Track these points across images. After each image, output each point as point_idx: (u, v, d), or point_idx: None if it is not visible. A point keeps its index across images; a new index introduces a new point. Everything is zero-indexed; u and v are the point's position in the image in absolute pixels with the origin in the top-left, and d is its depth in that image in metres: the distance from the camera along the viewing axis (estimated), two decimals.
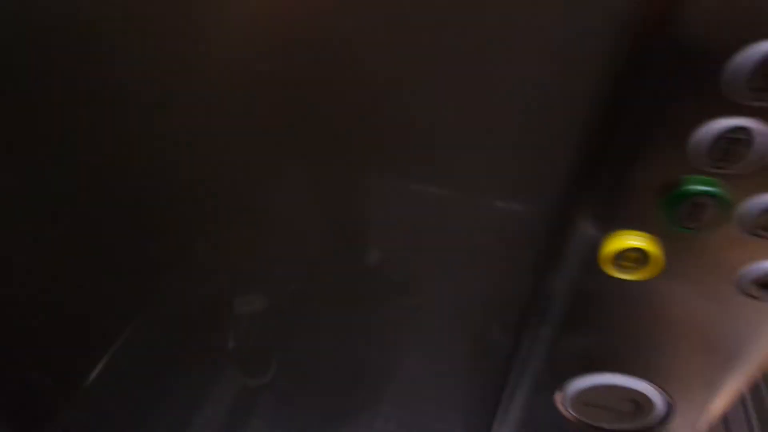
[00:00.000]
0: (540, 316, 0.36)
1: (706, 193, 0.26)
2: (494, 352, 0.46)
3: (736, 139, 0.24)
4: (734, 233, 0.28)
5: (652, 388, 0.39)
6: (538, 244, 0.35)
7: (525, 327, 0.40)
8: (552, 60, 0.26)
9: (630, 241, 0.29)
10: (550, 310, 0.36)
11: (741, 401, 0.60)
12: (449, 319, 0.46)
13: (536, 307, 0.36)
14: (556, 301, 0.35)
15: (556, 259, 0.33)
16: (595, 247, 0.31)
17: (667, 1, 0.22)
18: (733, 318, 0.32)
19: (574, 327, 0.36)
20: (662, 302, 0.32)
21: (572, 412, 0.42)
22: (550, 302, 0.35)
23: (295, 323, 0.52)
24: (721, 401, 0.39)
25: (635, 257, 0.30)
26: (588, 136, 0.28)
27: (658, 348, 0.37)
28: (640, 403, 0.40)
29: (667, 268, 0.30)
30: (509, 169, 0.32)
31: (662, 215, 0.28)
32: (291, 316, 0.52)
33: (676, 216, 0.27)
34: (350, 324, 0.50)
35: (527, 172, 0.31)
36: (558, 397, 0.42)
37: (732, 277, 0.30)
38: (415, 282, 0.43)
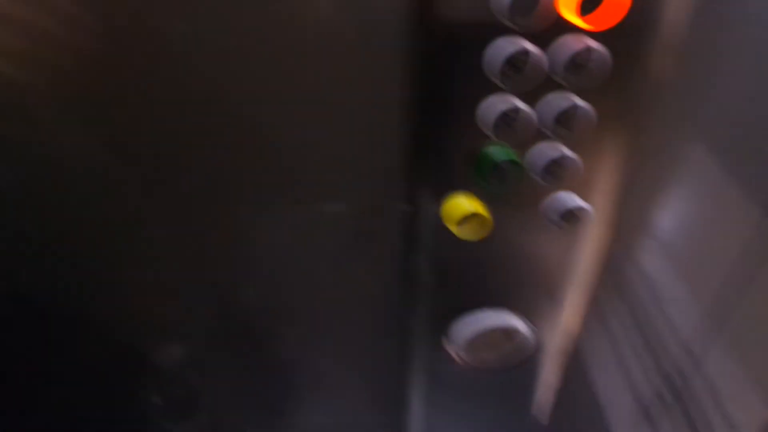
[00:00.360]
0: (413, 282, 0.44)
1: (502, 160, 0.34)
2: (388, 332, 0.53)
3: (510, 113, 0.32)
4: (532, 183, 0.37)
5: (521, 323, 0.48)
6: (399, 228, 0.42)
7: (407, 295, 0.47)
8: (356, 69, 0.33)
9: (464, 207, 0.37)
10: (419, 275, 0.43)
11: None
12: (344, 315, 0.52)
13: (410, 273, 0.44)
14: (423, 263, 0.42)
15: (416, 232, 0.41)
16: (437, 215, 0.39)
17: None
18: (554, 245, 0.41)
19: (442, 282, 0.44)
20: (502, 246, 0.41)
21: (460, 353, 0.50)
22: (419, 264, 0.43)
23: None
24: (571, 318, 0.49)
25: (469, 219, 0.38)
26: (408, 129, 0.35)
27: (512, 285, 0.45)
28: (512, 335, 0.49)
29: (497, 221, 0.39)
30: (361, 174, 0.39)
31: (476, 181, 0.36)
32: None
33: (488, 178, 0.35)
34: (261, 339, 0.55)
35: (371, 171, 0.39)
36: (451, 348, 0.49)
37: (541, 214, 0.39)
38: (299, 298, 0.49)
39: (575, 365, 0.70)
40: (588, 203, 0.38)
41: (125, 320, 0.55)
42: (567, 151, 0.35)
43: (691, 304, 0.59)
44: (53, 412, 0.66)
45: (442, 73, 0.32)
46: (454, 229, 0.38)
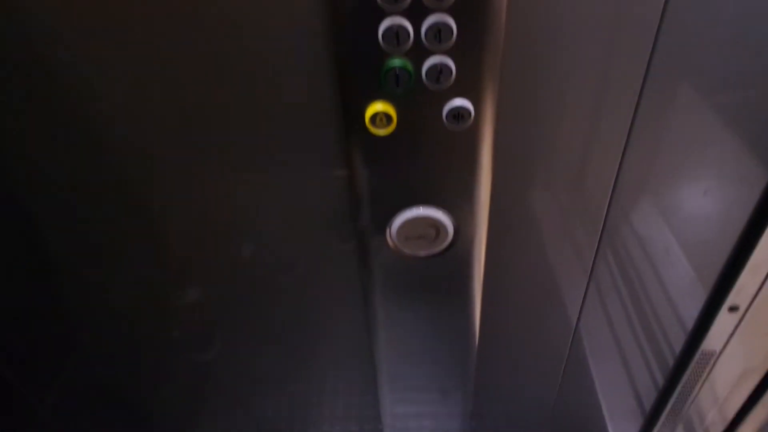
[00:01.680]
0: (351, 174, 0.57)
1: (394, 65, 0.46)
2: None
3: (395, 29, 0.44)
4: (426, 91, 0.49)
5: (442, 213, 0.60)
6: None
7: (356, 204, 0.60)
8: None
9: (373, 107, 0.50)
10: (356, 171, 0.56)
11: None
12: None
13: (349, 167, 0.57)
14: (357, 161, 0.55)
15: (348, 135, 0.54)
16: (362, 118, 0.51)
17: None
18: (450, 146, 0.53)
19: (373, 179, 0.56)
20: (412, 146, 0.53)
21: (400, 247, 0.62)
22: (353, 163, 0.55)
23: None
24: (483, 211, 0.61)
25: (383, 118, 0.51)
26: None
27: (436, 181, 0.58)
28: (438, 227, 0.61)
29: (404, 123, 0.51)
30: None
31: (384, 87, 0.48)
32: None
33: (388, 84, 0.48)
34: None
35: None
36: (387, 236, 0.62)
37: (440, 117, 0.51)
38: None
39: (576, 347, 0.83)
40: (472, 105, 0.50)
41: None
42: (446, 60, 0.47)
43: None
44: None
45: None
46: (369, 126, 0.51)
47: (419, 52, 0.47)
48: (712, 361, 0.80)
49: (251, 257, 0.72)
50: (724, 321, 0.74)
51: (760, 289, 0.69)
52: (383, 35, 0.45)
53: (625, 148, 0.59)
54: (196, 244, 0.70)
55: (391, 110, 0.50)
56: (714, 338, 0.77)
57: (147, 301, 0.78)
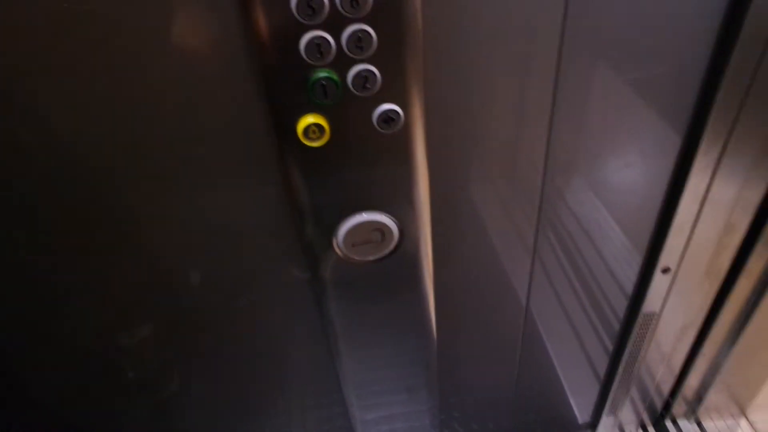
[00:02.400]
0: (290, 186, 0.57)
1: (320, 77, 0.47)
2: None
3: (316, 41, 0.45)
4: (355, 98, 0.50)
5: (385, 217, 0.61)
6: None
7: (299, 214, 0.60)
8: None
9: (305, 120, 0.50)
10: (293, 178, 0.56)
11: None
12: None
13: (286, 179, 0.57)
14: (295, 174, 0.55)
15: (281, 149, 0.54)
16: (295, 132, 0.51)
17: None
18: (384, 149, 0.54)
19: (313, 191, 0.57)
20: (347, 154, 0.54)
21: (348, 254, 0.63)
22: (291, 177, 0.56)
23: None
24: (425, 209, 0.63)
25: (315, 130, 0.51)
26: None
27: (375, 186, 0.58)
28: (383, 231, 0.62)
29: (337, 133, 0.52)
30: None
31: (313, 99, 0.49)
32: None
33: (317, 96, 0.48)
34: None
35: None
36: (335, 245, 0.62)
37: (370, 122, 0.52)
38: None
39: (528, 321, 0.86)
40: (400, 108, 0.51)
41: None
42: (370, 67, 0.48)
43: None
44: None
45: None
46: (303, 139, 0.51)
47: (343, 62, 0.47)
48: (653, 322, 0.86)
49: (200, 284, 0.71)
50: (659, 282, 0.79)
51: (686, 248, 0.75)
52: (305, 49, 0.45)
53: (549, 132, 0.63)
54: (142, 278, 0.68)
55: (322, 121, 0.51)
56: (652, 300, 0.82)
57: (97, 341, 0.75)
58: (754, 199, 0.72)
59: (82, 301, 0.70)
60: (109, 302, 0.71)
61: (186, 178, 0.59)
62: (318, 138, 0.52)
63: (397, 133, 0.54)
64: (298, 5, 0.43)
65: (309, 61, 0.46)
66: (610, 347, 0.94)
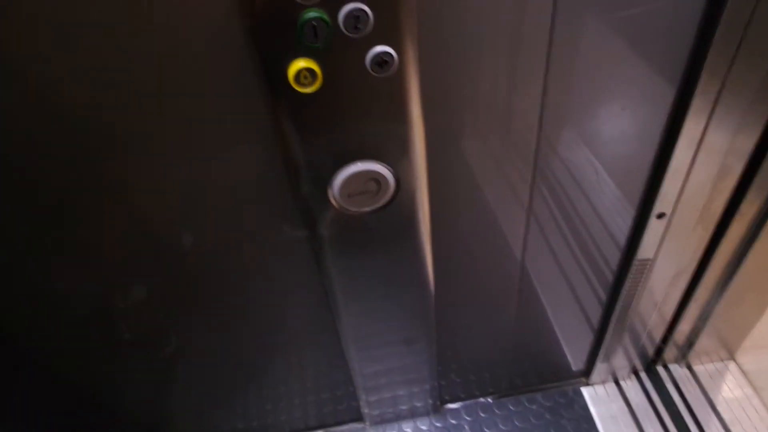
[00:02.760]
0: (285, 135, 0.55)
1: (312, 17, 0.45)
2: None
3: None
4: (346, 40, 0.48)
5: (381, 165, 0.60)
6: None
7: (292, 166, 0.59)
8: None
9: (296, 64, 0.48)
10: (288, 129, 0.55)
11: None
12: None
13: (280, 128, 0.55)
14: (287, 124, 0.54)
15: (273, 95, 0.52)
16: (286, 78, 0.50)
17: None
18: (379, 94, 0.53)
19: (307, 140, 0.56)
20: (341, 100, 0.53)
21: (342, 203, 0.62)
22: (283, 127, 0.54)
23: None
24: (421, 158, 0.62)
25: (307, 75, 0.49)
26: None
27: (370, 134, 0.57)
28: (379, 180, 0.61)
29: (329, 77, 0.50)
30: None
31: (303, 41, 0.47)
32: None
33: (307, 38, 0.46)
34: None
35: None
36: (330, 197, 0.61)
37: (363, 66, 0.50)
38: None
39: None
40: (394, 50, 0.50)
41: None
42: (361, 5, 0.46)
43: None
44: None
45: None
46: (294, 85, 0.50)
47: (333, 1, 0.46)
48: (647, 268, 0.86)
49: (195, 244, 0.70)
50: (654, 228, 0.79)
51: (681, 193, 0.75)
52: None
53: (546, 78, 0.61)
54: (137, 239, 0.67)
55: (314, 65, 0.49)
56: (647, 246, 0.82)
57: (95, 303, 0.75)
58: (749, 142, 0.72)
59: (78, 263, 0.69)
60: (106, 264, 0.70)
61: (176, 135, 0.57)
62: (310, 83, 0.50)
63: (391, 77, 0.52)
64: None
65: (299, 0, 0.45)
66: (604, 296, 0.95)
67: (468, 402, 1.13)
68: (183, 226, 0.68)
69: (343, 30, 0.47)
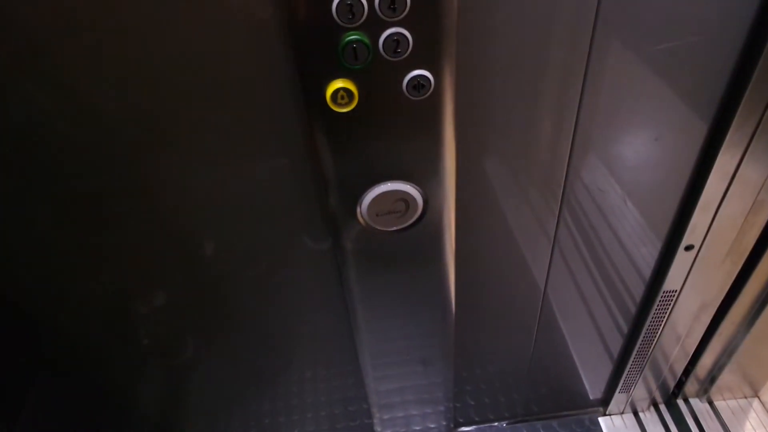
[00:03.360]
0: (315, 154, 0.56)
1: (353, 40, 0.46)
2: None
3: (350, 6, 0.44)
4: (385, 63, 0.49)
5: (411, 186, 0.61)
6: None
7: (324, 182, 0.59)
8: None
9: (334, 84, 0.49)
10: (320, 153, 0.55)
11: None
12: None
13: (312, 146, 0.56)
14: (321, 141, 0.54)
15: (310, 116, 0.53)
16: (323, 97, 0.50)
17: None
18: (413, 117, 0.53)
19: (339, 158, 0.56)
20: (375, 120, 0.53)
21: (370, 222, 0.62)
22: (316, 144, 0.55)
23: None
24: (450, 181, 0.62)
25: (344, 95, 0.50)
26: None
27: (402, 155, 0.58)
28: (408, 201, 0.62)
29: (366, 98, 0.51)
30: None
31: (343, 62, 0.48)
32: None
33: (347, 59, 0.47)
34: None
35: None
36: (359, 215, 0.62)
37: (400, 88, 0.51)
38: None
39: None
40: (431, 74, 0.50)
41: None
42: (402, 30, 0.46)
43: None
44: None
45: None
46: (331, 104, 0.50)
47: (375, 25, 0.46)
48: (672, 300, 0.85)
49: (220, 253, 0.71)
50: (681, 260, 0.78)
51: (710, 225, 0.74)
52: (337, 10, 0.44)
53: (579, 105, 0.61)
54: (162, 247, 0.68)
55: (351, 86, 0.50)
56: (673, 278, 0.81)
57: (117, 307, 0.76)
58: None
59: (104, 268, 0.70)
60: (130, 268, 0.71)
61: (210, 146, 0.58)
62: (347, 104, 0.51)
63: (426, 100, 0.52)
64: None
65: (340, 22, 0.45)
66: (626, 326, 0.93)
67: (482, 426, 1.12)
68: (208, 234, 0.68)
69: (383, 53, 0.48)
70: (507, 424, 1.11)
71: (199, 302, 0.78)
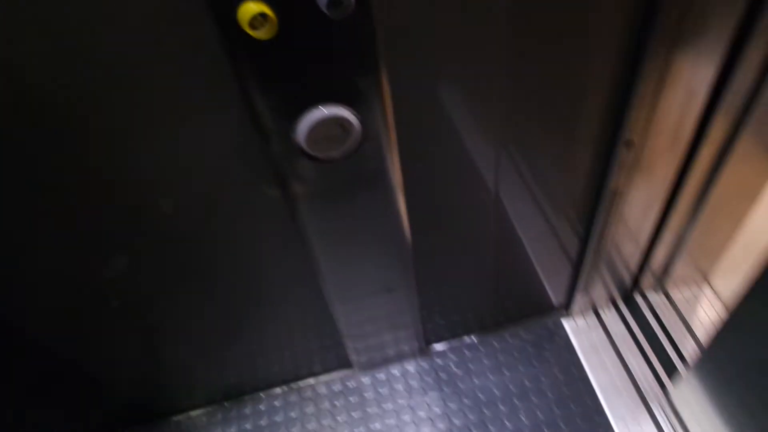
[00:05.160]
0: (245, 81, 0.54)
1: None
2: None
3: None
4: None
5: (346, 110, 0.59)
6: None
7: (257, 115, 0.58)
8: None
9: (253, 7, 0.47)
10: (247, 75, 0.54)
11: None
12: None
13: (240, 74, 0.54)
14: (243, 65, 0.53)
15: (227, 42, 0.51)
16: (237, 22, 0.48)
17: None
18: (336, 37, 0.52)
19: (266, 85, 0.55)
20: (298, 45, 0.52)
21: (309, 150, 0.62)
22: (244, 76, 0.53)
23: None
24: (386, 100, 0.61)
25: (259, 17, 0.48)
26: None
27: (332, 79, 0.56)
28: (345, 126, 0.61)
29: (283, 19, 0.49)
30: None
31: None
32: None
33: None
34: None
35: None
36: (297, 143, 0.61)
37: (316, 5, 0.49)
38: None
39: None
40: None
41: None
42: None
43: None
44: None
45: None
46: (249, 30, 0.48)
47: None
48: (619, 198, 0.88)
49: (175, 211, 0.70)
50: (622, 157, 0.80)
51: (648, 120, 0.75)
52: None
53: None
54: (116, 210, 0.67)
55: (265, 8, 0.48)
56: (617, 175, 0.83)
57: (79, 273, 0.75)
58: (712, 66, 0.72)
59: (60, 235, 0.69)
60: (87, 235, 0.70)
61: (141, 104, 0.57)
62: (264, 27, 0.49)
63: (348, 19, 0.51)
64: None
65: None
66: (580, 228, 0.96)
67: (453, 342, 1.16)
68: (161, 194, 0.67)
69: None
70: (476, 337, 1.16)
71: (162, 260, 0.77)
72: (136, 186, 0.65)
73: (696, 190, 0.92)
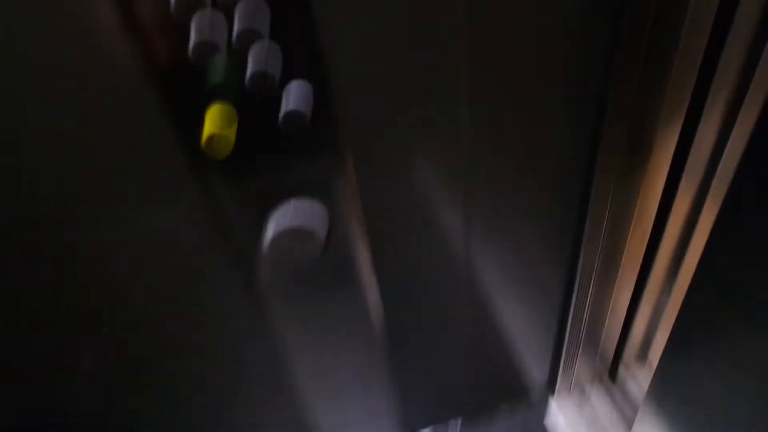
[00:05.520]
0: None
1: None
2: None
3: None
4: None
5: (307, 220, 0.60)
6: None
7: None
8: None
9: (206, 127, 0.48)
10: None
11: None
12: None
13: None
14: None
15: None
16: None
17: None
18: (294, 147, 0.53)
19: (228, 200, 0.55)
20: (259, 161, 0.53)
21: (280, 261, 0.62)
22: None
23: None
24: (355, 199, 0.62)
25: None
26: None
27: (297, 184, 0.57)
28: (305, 237, 0.60)
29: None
30: None
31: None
32: None
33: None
34: None
35: None
36: (264, 252, 0.61)
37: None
38: None
39: None
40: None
41: None
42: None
43: None
44: None
45: None
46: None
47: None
48: (592, 280, 0.88)
49: (138, 310, 0.69)
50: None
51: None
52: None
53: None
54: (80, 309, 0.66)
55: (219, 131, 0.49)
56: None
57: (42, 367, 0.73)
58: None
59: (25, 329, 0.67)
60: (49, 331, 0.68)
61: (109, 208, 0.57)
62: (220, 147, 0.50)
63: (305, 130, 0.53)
64: None
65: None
66: (557, 308, 0.96)
67: (437, 427, 1.13)
68: (124, 291, 0.66)
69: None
70: (462, 420, 1.13)
71: (126, 360, 0.75)
72: (100, 283, 0.65)
73: (666, 264, 0.93)
